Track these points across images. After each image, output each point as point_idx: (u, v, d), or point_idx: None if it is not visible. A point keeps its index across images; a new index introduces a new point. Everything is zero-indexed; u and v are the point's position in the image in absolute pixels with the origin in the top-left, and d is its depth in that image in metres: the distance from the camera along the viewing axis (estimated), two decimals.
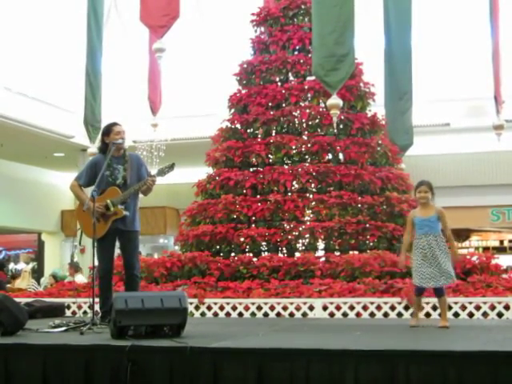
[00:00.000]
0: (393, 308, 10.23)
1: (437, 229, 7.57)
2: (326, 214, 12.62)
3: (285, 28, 14.54)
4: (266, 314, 10.61)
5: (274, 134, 13.59)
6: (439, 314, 8.14)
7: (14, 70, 19.82)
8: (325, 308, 10.43)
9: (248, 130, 13.93)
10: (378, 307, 10.18)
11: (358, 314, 10.21)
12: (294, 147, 13.27)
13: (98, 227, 7.89)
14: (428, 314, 9.98)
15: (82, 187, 8.31)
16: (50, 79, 20.63)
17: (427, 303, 9.89)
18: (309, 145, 13.27)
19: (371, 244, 12.46)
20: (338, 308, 10.36)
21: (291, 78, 14.36)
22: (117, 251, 8.51)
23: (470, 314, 9.89)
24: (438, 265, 7.42)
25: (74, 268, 17.23)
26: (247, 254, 12.58)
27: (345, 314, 10.33)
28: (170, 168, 8.06)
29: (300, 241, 12.71)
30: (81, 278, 15.63)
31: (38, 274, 23.64)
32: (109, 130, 8.28)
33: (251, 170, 13.48)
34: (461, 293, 10.36)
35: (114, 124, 8.32)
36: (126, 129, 8.42)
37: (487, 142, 17.91)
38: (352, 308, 10.33)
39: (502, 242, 24.08)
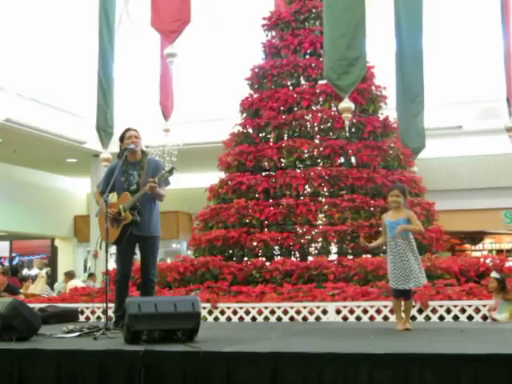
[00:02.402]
0: None
1: (405, 231, 7.54)
2: (339, 218, 12.62)
3: (296, 32, 14.56)
4: (279, 318, 10.62)
5: (285, 138, 13.61)
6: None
7: (26, 76, 19.88)
8: (338, 312, 10.43)
9: (260, 135, 13.94)
10: (392, 310, 10.15)
11: (372, 318, 10.20)
12: (305, 151, 13.28)
13: (111, 232, 7.94)
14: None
15: (101, 194, 8.33)
16: (62, 85, 20.70)
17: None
18: (321, 148, 13.28)
19: (384, 247, 12.41)
20: (352, 312, 10.36)
21: (303, 81, 14.37)
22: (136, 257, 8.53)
23: (484, 317, 9.87)
24: (407, 267, 7.45)
25: (70, 276, 17.40)
26: (260, 259, 12.59)
27: (358, 318, 10.33)
28: (169, 173, 8.00)
29: (313, 245, 12.71)
30: (77, 283, 15.91)
31: (51, 279, 23.69)
32: (122, 135, 8.37)
33: (263, 174, 13.49)
34: (474, 296, 10.34)
35: (127, 129, 8.39)
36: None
37: (500, 144, 17.85)
38: (365, 312, 10.32)
39: None
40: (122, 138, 8.37)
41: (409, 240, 7.54)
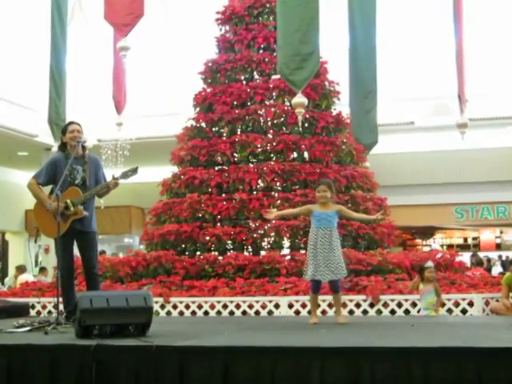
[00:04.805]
0: (358, 305, 10.30)
1: (334, 224, 7.63)
2: None
3: (250, 27, 14.56)
4: (231, 313, 10.63)
5: (239, 133, 13.61)
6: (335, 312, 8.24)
7: None
8: (290, 306, 10.47)
9: (213, 129, 13.92)
10: (344, 305, 10.22)
11: (324, 312, 10.24)
12: (259, 146, 13.30)
13: (52, 226, 7.76)
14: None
15: (40, 186, 8.21)
16: (14, 77, 20.44)
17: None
18: (274, 143, 13.30)
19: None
20: (304, 306, 10.39)
21: (256, 76, 14.39)
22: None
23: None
24: (331, 258, 7.48)
25: (21, 271, 17.28)
26: (213, 253, 12.59)
27: (310, 312, 10.36)
28: (133, 172, 8.00)
29: (265, 239, 12.75)
30: (28, 277, 15.74)
31: (1, 273, 23.41)
32: (65, 128, 8.29)
33: (216, 168, 13.49)
34: None
35: (70, 123, 8.33)
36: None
37: (451, 140, 18.10)
38: (317, 306, 10.36)
39: (465, 239, 24.36)
40: (64, 131, 8.28)
41: (335, 232, 7.63)
